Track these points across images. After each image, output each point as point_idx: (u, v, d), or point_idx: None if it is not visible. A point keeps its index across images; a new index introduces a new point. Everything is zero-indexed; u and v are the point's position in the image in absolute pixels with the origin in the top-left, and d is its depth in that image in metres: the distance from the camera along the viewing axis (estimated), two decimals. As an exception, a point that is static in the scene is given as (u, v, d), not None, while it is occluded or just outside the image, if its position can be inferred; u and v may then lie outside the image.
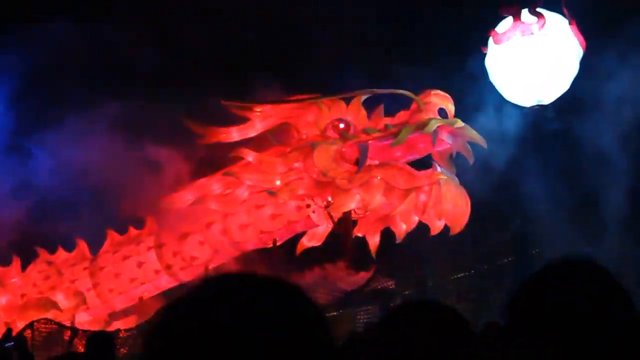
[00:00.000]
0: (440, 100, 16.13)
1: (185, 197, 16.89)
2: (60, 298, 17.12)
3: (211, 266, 16.30)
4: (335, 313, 15.31)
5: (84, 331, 14.47)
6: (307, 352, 1.79)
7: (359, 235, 16.85)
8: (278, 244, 17.00)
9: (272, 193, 16.17)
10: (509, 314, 2.54)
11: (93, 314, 17.39)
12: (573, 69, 16.54)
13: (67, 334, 15.48)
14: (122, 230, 17.83)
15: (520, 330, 2.51)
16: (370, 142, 15.96)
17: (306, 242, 17.09)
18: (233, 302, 1.77)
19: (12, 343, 9.78)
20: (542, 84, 16.62)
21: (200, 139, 16.62)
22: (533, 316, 2.48)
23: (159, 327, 1.81)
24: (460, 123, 15.69)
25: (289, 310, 1.82)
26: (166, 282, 16.66)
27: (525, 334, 2.48)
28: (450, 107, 16.10)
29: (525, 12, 16.29)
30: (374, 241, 16.75)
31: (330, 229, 16.94)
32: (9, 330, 11.76)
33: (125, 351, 14.94)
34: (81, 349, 13.30)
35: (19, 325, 15.41)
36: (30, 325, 15.26)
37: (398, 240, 16.45)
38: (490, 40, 16.57)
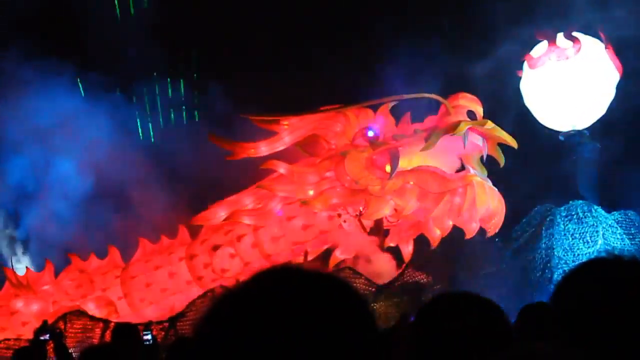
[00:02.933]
0: (469, 102, 16.15)
1: (218, 213, 17.01)
2: (91, 307, 17.06)
3: (242, 279, 16.19)
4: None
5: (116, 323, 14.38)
6: (356, 344, 1.80)
7: (391, 244, 16.82)
8: (309, 256, 16.87)
9: (305, 203, 16.18)
10: (552, 303, 2.57)
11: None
12: (609, 94, 16.53)
13: (100, 327, 15.58)
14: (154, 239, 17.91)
15: (561, 320, 2.52)
16: (400, 148, 15.95)
17: (339, 255, 16.95)
18: (283, 295, 1.78)
19: (48, 335, 9.69)
20: (578, 109, 16.65)
21: (228, 156, 16.73)
22: (573, 307, 2.49)
23: (210, 315, 1.83)
24: (490, 124, 15.68)
25: (340, 303, 1.83)
26: (197, 293, 16.39)
27: (566, 325, 2.49)
28: (479, 109, 16.11)
29: (560, 36, 16.38)
30: (407, 249, 16.72)
31: (362, 241, 16.88)
32: (45, 322, 11.67)
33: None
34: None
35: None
36: (63, 317, 15.45)
37: (433, 247, 16.39)
38: (525, 65, 16.66)
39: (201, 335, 1.80)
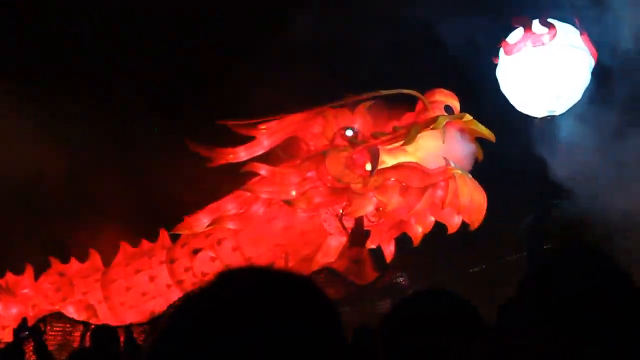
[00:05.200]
0: (445, 97, 16.42)
1: (201, 220, 17.14)
2: (71, 310, 17.03)
3: (222, 282, 16.48)
4: (347, 309, 15.23)
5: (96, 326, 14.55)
6: (318, 346, 1.79)
7: (373, 246, 16.96)
8: (291, 260, 17.00)
9: (289, 203, 16.37)
10: (519, 299, 2.66)
11: (104, 326, 17.19)
12: (585, 79, 16.61)
13: (80, 329, 15.68)
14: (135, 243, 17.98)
15: (529, 316, 2.57)
16: (380, 145, 16.14)
17: (320, 259, 17.07)
18: (242, 297, 1.78)
19: (27, 333, 9.91)
20: (554, 95, 16.68)
21: (208, 162, 16.86)
22: (541, 302, 2.55)
23: (169, 321, 1.83)
24: (468, 117, 15.99)
25: (301, 304, 1.83)
26: (177, 297, 16.77)
27: (535, 319, 2.53)
28: (456, 104, 16.39)
29: (536, 23, 16.46)
30: (389, 250, 16.92)
31: (343, 243, 17.00)
32: (24, 319, 11.90)
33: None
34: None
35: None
36: (43, 320, 15.47)
37: (415, 244, 16.57)
38: (501, 51, 16.74)
39: (158, 337, 1.81)
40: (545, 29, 16.44)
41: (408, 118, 16.44)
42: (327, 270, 16.49)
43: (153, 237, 17.95)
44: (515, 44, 16.65)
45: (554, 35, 16.33)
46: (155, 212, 18.80)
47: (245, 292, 1.78)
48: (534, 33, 16.49)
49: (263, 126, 16.73)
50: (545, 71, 16.52)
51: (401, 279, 16.55)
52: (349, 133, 16.47)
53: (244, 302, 1.76)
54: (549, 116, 16.93)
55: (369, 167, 16.13)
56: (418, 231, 16.38)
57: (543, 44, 16.42)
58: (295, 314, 1.79)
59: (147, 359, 2.04)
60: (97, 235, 18.07)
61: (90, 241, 18.17)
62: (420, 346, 2.85)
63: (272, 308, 1.76)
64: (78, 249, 18.27)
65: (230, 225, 16.89)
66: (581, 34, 16.51)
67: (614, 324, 2.43)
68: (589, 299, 2.48)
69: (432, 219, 16.43)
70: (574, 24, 16.59)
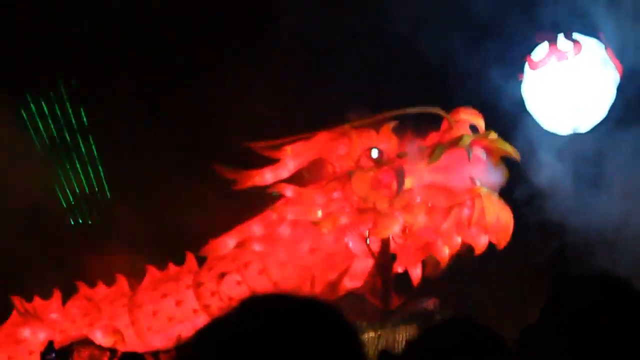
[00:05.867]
0: (470, 116, 16.59)
1: (227, 242, 17.19)
2: (98, 335, 17.13)
3: (248, 306, 16.73)
4: (373, 334, 15.71)
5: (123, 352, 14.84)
6: None
7: (400, 270, 17.03)
8: (317, 284, 17.10)
9: (315, 223, 16.49)
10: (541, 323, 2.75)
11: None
12: (610, 95, 16.77)
13: (107, 355, 15.86)
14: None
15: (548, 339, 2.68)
16: (405, 165, 16.24)
17: (347, 284, 17.08)
18: (266, 323, 1.83)
19: (54, 356, 10.11)
20: (579, 111, 16.87)
21: (233, 185, 16.98)
22: (561, 325, 2.62)
23: (194, 347, 1.96)
24: (494, 135, 16.17)
25: (324, 331, 1.88)
26: (204, 322, 16.90)
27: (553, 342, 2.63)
28: (481, 123, 16.55)
29: (561, 38, 16.64)
30: (416, 273, 16.98)
31: (370, 267, 17.02)
32: (51, 343, 12.07)
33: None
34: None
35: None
36: (70, 346, 15.57)
37: (442, 266, 16.64)
38: (526, 67, 16.96)
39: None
40: (570, 44, 16.58)
41: (433, 137, 16.58)
42: (352, 294, 16.65)
43: (180, 261, 17.96)
44: (541, 60, 16.79)
45: (579, 50, 16.46)
46: (181, 236, 18.94)
47: (268, 319, 1.84)
48: (558, 49, 16.64)
49: (288, 148, 16.82)
50: (570, 87, 16.66)
51: (427, 304, 16.74)
52: (375, 154, 16.56)
53: (268, 329, 1.82)
54: (574, 133, 17.22)
55: (394, 186, 16.14)
56: (445, 252, 16.43)
57: (567, 59, 16.57)
58: (318, 341, 1.83)
59: None
60: (124, 259, 18.35)
61: (116, 265, 18.35)
62: None
63: (295, 335, 1.81)
64: (105, 273, 18.33)
65: (257, 247, 16.93)
66: (606, 48, 16.60)
67: (631, 353, 2.46)
68: (608, 325, 2.51)
69: (459, 239, 16.47)
70: (599, 39, 16.71)
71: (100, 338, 17.05)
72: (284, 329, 1.83)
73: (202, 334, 1.99)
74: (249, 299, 2.00)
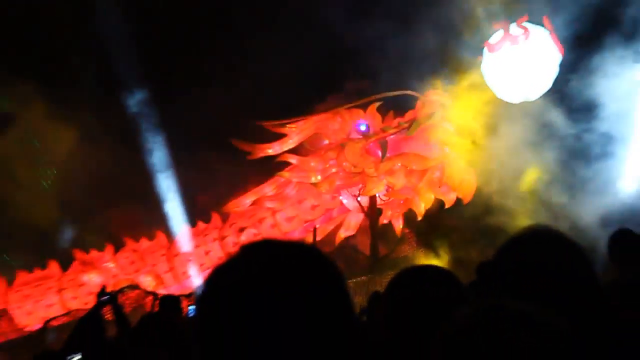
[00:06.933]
0: (439, 97, 18.41)
1: (244, 201, 19.13)
2: (142, 280, 18.87)
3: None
4: (364, 278, 17.07)
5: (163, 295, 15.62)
6: (323, 301, 1.86)
7: (385, 222, 18.92)
8: (318, 235, 18.51)
9: (315, 185, 18.27)
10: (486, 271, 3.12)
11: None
12: (553, 71, 18.55)
13: (150, 298, 16.81)
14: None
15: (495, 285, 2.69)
16: (388, 137, 18.24)
17: (342, 233, 19.08)
18: (260, 265, 1.85)
19: (107, 297, 9.65)
20: (528, 84, 18.54)
21: (248, 155, 18.70)
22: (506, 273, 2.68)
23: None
24: (459, 114, 18.15)
25: (309, 266, 1.90)
26: None
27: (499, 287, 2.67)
28: (447, 102, 18.35)
29: (513, 26, 18.29)
30: (398, 224, 18.96)
31: (361, 220, 19.00)
32: (104, 287, 12.34)
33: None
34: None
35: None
36: (120, 290, 16.45)
37: (419, 218, 18.46)
38: (485, 50, 18.64)
39: (201, 296, 1.89)
40: (520, 31, 18.19)
41: (410, 115, 18.47)
42: (348, 246, 18.45)
43: (207, 220, 19.71)
44: (497, 43, 18.42)
45: (528, 35, 18.17)
46: (207, 200, 20.41)
47: (261, 260, 1.86)
48: (511, 34, 18.27)
49: (292, 125, 18.62)
50: (521, 65, 18.26)
51: (406, 253, 18.54)
52: (363, 128, 18.51)
53: (262, 268, 1.84)
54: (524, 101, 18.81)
55: (381, 153, 18.18)
56: (421, 207, 18.32)
57: (519, 43, 18.19)
58: (305, 275, 1.85)
59: (191, 319, 2.50)
60: (163, 218, 19.56)
61: (157, 223, 19.72)
62: (412, 301, 3.00)
63: (285, 272, 1.84)
64: (147, 230, 19.95)
65: (269, 204, 18.77)
66: (550, 33, 18.28)
67: (570, 289, 2.56)
68: (551, 268, 2.60)
69: (432, 196, 18.30)
70: (543, 26, 18.38)
71: (144, 283, 18.84)
72: (275, 267, 1.85)
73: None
74: (246, 245, 1.97)
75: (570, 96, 18.82)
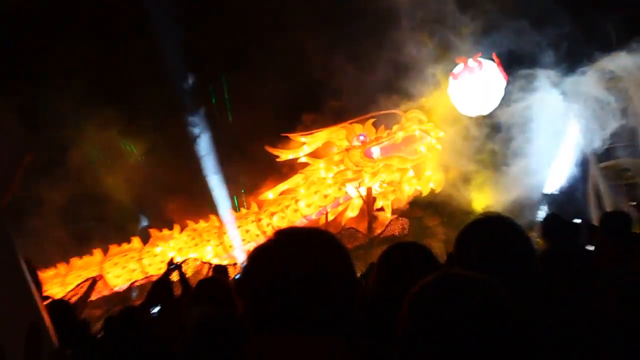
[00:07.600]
0: (418, 114, 21.82)
1: (275, 192, 22.33)
2: (203, 253, 21.63)
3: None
4: (363, 251, 19.08)
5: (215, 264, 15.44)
6: (334, 265, 2.30)
7: (378, 207, 22.01)
8: (330, 215, 21.71)
9: (327, 179, 21.35)
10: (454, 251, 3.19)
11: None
12: (500, 93, 21.98)
13: (206, 266, 18.59)
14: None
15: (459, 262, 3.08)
16: (380, 145, 21.61)
17: (349, 214, 22.13)
18: (289, 246, 2.28)
19: (174, 265, 10.59)
20: (482, 102, 21.81)
21: (277, 158, 21.87)
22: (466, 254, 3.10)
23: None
24: (432, 126, 21.60)
25: (324, 242, 2.33)
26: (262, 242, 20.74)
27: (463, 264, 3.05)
28: (423, 118, 21.77)
29: (470, 60, 21.80)
30: (388, 209, 22.18)
31: (362, 204, 21.87)
32: (172, 258, 13.34)
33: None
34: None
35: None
36: (184, 260, 18.29)
37: (404, 204, 21.91)
38: (450, 78, 22.20)
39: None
40: (475, 64, 21.75)
41: (397, 128, 21.94)
42: (350, 228, 20.93)
43: (247, 207, 22.94)
44: (459, 73, 21.90)
45: (481, 66, 21.74)
46: (246, 191, 23.60)
47: (291, 241, 2.31)
48: (469, 67, 21.78)
49: (309, 136, 21.87)
50: (476, 88, 21.55)
51: (395, 232, 20.91)
52: (362, 137, 21.91)
53: (293, 247, 2.27)
54: (479, 116, 22.37)
55: (375, 156, 21.36)
56: (405, 195, 21.89)
57: (474, 72, 21.70)
58: (323, 251, 2.28)
59: (236, 282, 5.11)
60: (214, 206, 22.32)
61: (210, 210, 22.55)
62: (397, 267, 3.61)
63: (308, 250, 2.25)
64: (203, 215, 22.85)
65: (292, 194, 22.01)
66: (497, 65, 21.77)
67: (515, 264, 2.97)
68: (501, 245, 3.02)
69: (413, 188, 21.74)
70: (493, 60, 21.93)
71: (203, 254, 21.59)
72: (298, 243, 2.31)
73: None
74: (280, 230, 2.41)
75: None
